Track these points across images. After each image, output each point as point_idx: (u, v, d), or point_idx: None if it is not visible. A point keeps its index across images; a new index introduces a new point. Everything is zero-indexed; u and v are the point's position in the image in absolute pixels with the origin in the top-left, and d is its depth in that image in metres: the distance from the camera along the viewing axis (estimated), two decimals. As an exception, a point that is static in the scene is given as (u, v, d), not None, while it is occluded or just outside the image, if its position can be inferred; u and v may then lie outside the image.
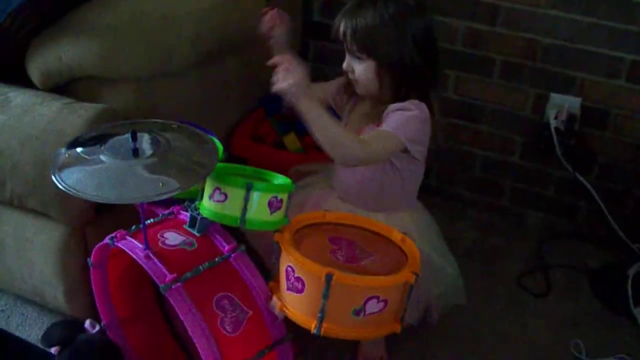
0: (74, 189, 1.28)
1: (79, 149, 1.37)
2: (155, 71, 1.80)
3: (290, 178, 1.53)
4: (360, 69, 1.70)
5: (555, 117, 2.25)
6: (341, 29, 1.70)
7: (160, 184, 1.29)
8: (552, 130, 2.25)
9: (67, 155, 1.37)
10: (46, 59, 1.77)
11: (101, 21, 1.73)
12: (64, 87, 1.83)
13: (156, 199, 1.28)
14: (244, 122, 2.22)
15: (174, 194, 1.28)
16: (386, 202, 1.79)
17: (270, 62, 1.59)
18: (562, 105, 2.25)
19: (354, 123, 1.81)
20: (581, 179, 2.29)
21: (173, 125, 1.48)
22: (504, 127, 2.38)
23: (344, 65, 1.74)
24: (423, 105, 1.68)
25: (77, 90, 1.81)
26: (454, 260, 1.84)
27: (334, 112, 1.86)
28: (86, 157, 1.34)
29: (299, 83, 1.54)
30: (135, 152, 1.33)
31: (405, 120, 1.65)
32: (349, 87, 1.82)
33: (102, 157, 1.33)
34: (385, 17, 1.64)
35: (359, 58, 1.69)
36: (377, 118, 1.72)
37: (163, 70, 1.82)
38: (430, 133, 1.72)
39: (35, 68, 1.80)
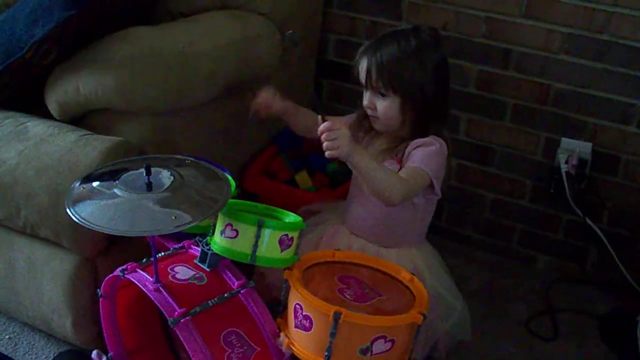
0: (87, 221, 1.30)
1: (94, 183, 1.39)
2: (171, 106, 1.82)
3: (301, 216, 1.54)
4: (384, 105, 1.71)
5: (566, 162, 2.25)
6: (364, 65, 1.71)
7: (173, 217, 1.30)
8: (563, 174, 2.26)
9: (81, 188, 1.39)
10: (64, 90, 1.80)
11: (119, 55, 1.75)
12: (81, 118, 1.85)
13: (168, 232, 1.30)
14: (256, 159, 2.24)
15: (185, 228, 1.29)
16: (399, 238, 1.80)
17: (318, 132, 1.57)
18: (573, 150, 2.25)
19: (372, 156, 1.78)
20: (591, 223, 2.29)
21: (187, 161, 1.50)
22: (514, 170, 2.39)
23: (365, 102, 1.75)
24: (442, 140, 1.72)
25: (93, 122, 1.84)
26: (461, 296, 1.84)
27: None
28: (100, 190, 1.36)
29: (348, 144, 1.54)
30: (149, 186, 1.34)
31: (430, 155, 1.68)
32: (365, 124, 1.83)
33: (116, 190, 1.35)
34: (409, 51, 1.68)
35: (383, 95, 1.70)
36: (394, 153, 1.74)
37: (179, 105, 1.85)
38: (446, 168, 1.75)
39: (54, 99, 1.82)
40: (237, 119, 2.05)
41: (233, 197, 1.46)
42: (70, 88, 1.78)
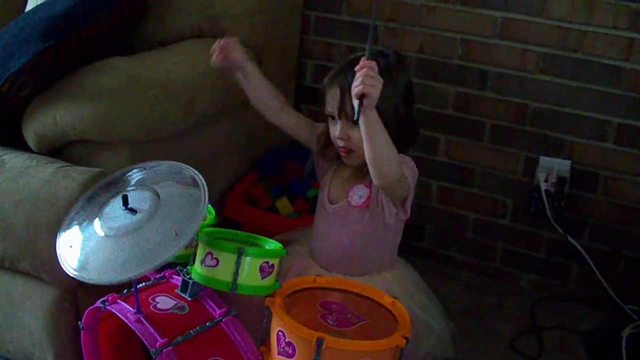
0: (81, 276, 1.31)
1: (76, 223, 1.39)
2: (149, 136, 1.82)
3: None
4: (358, 135, 1.56)
5: (546, 180, 2.27)
6: (337, 93, 1.64)
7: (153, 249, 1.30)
8: (543, 192, 2.27)
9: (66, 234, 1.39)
10: (42, 122, 1.79)
11: (96, 86, 1.75)
12: (59, 150, 1.84)
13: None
14: (237, 186, 2.24)
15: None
16: (370, 265, 1.76)
17: (358, 66, 1.46)
18: (552, 168, 2.27)
19: (338, 187, 1.77)
20: (572, 240, 2.30)
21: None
22: (494, 190, 2.41)
23: (337, 133, 1.67)
24: (411, 159, 1.70)
25: (72, 154, 1.83)
26: (442, 314, 1.81)
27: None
28: (86, 233, 1.36)
29: (375, 88, 1.45)
30: (129, 217, 1.34)
31: (406, 170, 1.63)
32: (329, 152, 1.77)
33: (96, 223, 1.35)
34: (381, 74, 1.54)
35: (357, 124, 1.56)
36: (362, 177, 1.70)
37: (157, 134, 1.84)
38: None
39: (31, 131, 1.82)
40: (217, 146, 2.05)
41: (213, 226, 1.46)
42: (47, 120, 1.78)
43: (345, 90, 1.60)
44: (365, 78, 1.43)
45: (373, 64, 1.46)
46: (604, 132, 2.22)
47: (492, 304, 2.37)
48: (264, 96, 1.81)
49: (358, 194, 1.71)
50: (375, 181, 1.59)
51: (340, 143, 1.69)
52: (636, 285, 2.28)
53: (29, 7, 2.43)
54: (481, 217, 2.46)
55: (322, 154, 1.81)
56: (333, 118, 1.69)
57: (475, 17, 2.26)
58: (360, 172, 1.70)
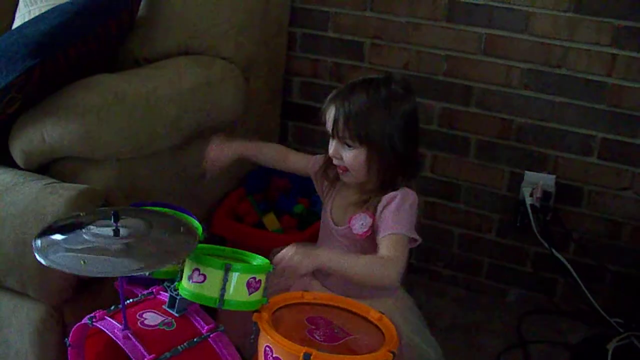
0: (56, 264, 1.29)
1: (59, 233, 1.38)
2: (136, 152, 1.83)
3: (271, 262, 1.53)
4: (350, 156, 1.66)
5: (531, 195, 2.29)
6: (332, 114, 1.67)
7: (139, 265, 1.31)
8: (528, 207, 2.29)
9: (48, 236, 1.38)
10: (29, 139, 1.78)
11: (84, 103, 1.75)
12: (47, 166, 1.84)
13: (136, 273, 1.29)
14: (224, 202, 2.24)
15: (148, 271, 1.29)
16: (371, 289, 1.73)
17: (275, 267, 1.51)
18: (536, 183, 2.29)
19: (339, 210, 1.78)
20: (558, 255, 2.32)
21: (154, 206, 1.51)
22: (480, 205, 2.42)
23: (331, 151, 1.70)
24: (413, 191, 1.70)
25: (59, 170, 1.83)
26: (437, 343, 1.80)
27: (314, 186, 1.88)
28: (67, 237, 1.36)
29: (305, 260, 1.52)
30: (116, 233, 1.34)
31: (405, 211, 1.65)
32: (330, 173, 1.80)
33: (84, 236, 1.35)
34: (378, 102, 1.64)
35: (349, 145, 1.66)
36: (366, 207, 1.69)
37: (144, 151, 1.85)
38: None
39: (18, 148, 1.81)
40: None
41: (200, 242, 1.46)
42: (35, 137, 1.78)
43: (339, 112, 1.65)
44: (288, 275, 1.56)
45: (276, 260, 1.51)
46: (588, 147, 2.24)
47: (479, 318, 2.38)
48: (276, 158, 1.91)
49: (360, 223, 1.70)
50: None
51: (335, 161, 1.71)
52: (621, 298, 2.30)
53: (16, 24, 2.44)
54: (468, 232, 2.47)
55: (324, 173, 1.82)
56: (331, 136, 1.71)
57: (460, 33, 2.28)
58: (363, 200, 1.71)
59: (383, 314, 1.53)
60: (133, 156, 1.83)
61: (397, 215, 1.64)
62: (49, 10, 1.99)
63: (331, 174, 1.80)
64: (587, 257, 2.33)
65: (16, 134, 1.81)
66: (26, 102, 1.80)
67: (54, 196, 1.67)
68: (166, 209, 1.63)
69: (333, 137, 1.69)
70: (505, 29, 2.23)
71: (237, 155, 1.89)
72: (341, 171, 1.72)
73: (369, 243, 1.69)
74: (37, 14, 2.26)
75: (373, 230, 1.69)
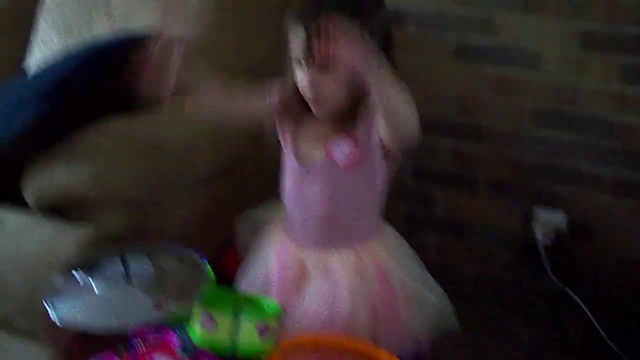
0: (67, 321, 1.29)
1: (71, 278, 1.39)
2: (147, 194, 1.83)
3: (243, 227, 1.47)
4: (332, 84, 1.38)
5: (543, 233, 2.28)
6: (301, 36, 1.36)
7: (151, 309, 1.30)
8: (540, 245, 2.28)
9: (59, 284, 1.38)
10: (41, 182, 1.80)
11: (95, 145, 1.78)
12: (59, 207, 1.86)
13: (150, 323, 1.29)
14: (234, 242, 2.24)
15: (166, 317, 1.29)
16: (354, 234, 1.53)
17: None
18: (548, 221, 2.28)
19: (308, 148, 1.51)
20: (571, 293, 2.30)
21: (164, 249, 1.51)
22: (492, 244, 2.41)
23: (304, 83, 1.40)
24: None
25: (71, 212, 1.84)
26: (439, 287, 1.60)
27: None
28: (78, 285, 1.36)
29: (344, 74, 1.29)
30: (127, 278, 1.34)
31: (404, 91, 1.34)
32: (294, 106, 1.50)
33: (93, 283, 1.35)
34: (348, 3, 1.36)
35: (327, 66, 1.35)
36: (345, 128, 1.44)
37: (155, 193, 1.86)
38: None
39: (31, 190, 1.83)
40: (215, 203, 2.06)
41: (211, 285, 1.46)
42: (47, 180, 1.79)
43: (312, 31, 1.34)
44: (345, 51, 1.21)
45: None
46: (599, 184, 2.23)
47: (491, 356, 2.35)
48: (205, 110, 1.61)
49: (341, 150, 1.45)
50: (390, 145, 1.39)
51: (309, 93, 1.41)
52: (637, 338, 2.27)
53: (31, 69, 2.47)
54: (479, 271, 2.46)
55: (285, 108, 1.52)
56: (299, 63, 1.41)
57: (470, 73, 2.29)
58: (340, 122, 1.45)
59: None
60: (143, 198, 1.84)
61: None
62: (60, 57, 2.02)
63: (295, 109, 1.50)
64: (600, 295, 2.31)
65: (29, 177, 1.83)
66: (40, 146, 1.82)
67: (65, 239, 1.68)
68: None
69: (307, 64, 1.38)
70: (515, 68, 2.23)
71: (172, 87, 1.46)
72: (315, 104, 1.43)
73: (354, 178, 1.47)
74: (50, 58, 2.29)
75: (356, 158, 1.45)
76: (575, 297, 2.30)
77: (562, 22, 2.14)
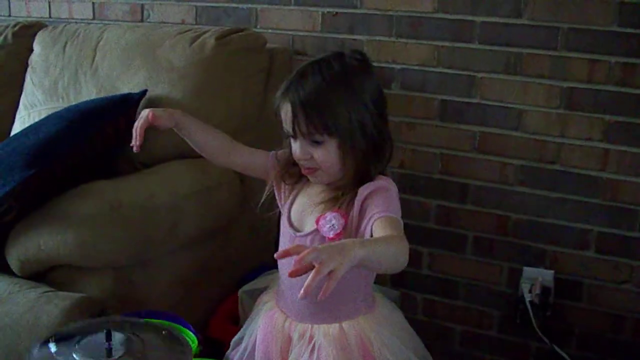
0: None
1: (52, 349, 1.37)
2: (132, 260, 1.83)
3: (247, 300, 1.46)
4: (321, 153, 1.44)
5: (530, 291, 2.27)
6: (288, 112, 1.44)
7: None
8: (527, 303, 2.27)
9: (39, 354, 1.37)
10: (25, 247, 1.79)
11: (80, 211, 1.77)
12: (43, 273, 1.84)
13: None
14: (221, 305, 2.22)
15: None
16: (342, 310, 1.54)
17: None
18: (535, 278, 2.28)
19: (299, 214, 1.56)
20: (559, 350, 2.29)
21: (147, 325, 1.49)
22: (479, 302, 2.40)
23: (297, 154, 1.48)
24: (391, 180, 1.51)
25: (55, 278, 1.83)
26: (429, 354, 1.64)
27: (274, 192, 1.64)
28: (59, 357, 1.34)
29: (342, 251, 1.17)
30: (109, 353, 1.33)
31: (391, 200, 1.44)
32: (293, 170, 1.57)
33: (74, 356, 1.33)
34: (338, 81, 1.43)
35: (317, 142, 1.44)
36: (338, 205, 1.47)
37: (141, 258, 1.85)
38: None
39: (15, 256, 1.82)
40: (201, 267, 2.05)
41: (196, 355, 1.45)
42: (31, 245, 1.78)
43: (296, 106, 1.42)
44: (320, 269, 1.13)
45: (296, 249, 1.18)
46: (585, 241, 2.23)
47: (482, 416, 2.34)
48: (207, 143, 1.68)
49: (330, 224, 1.47)
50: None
51: (303, 163, 1.49)
52: (626, 394, 2.26)
53: (16, 126, 2.47)
54: (468, 329, 2.45)
55: (284, 175, 1.60)
56: (292, 137, 1.49)
57: (454, 132, 2.31)
58: (331, 199, 1.50)
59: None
60: (129, 264, 1.83)
61: (386, 202, 1.42)
62: (46, 117, 2.03)
63: (294, 175, 1.58)
64: (589, 351, 2.30)
65: (12, 242, 1.82)
66: (23, 211, 1.81)
67: (50, 306, 1.67)
68: (161, 321, 1.61)
69: (295, 137, 1.47)
70: (498, 126, 2.25)
71: (175, 122, 1.63)
72: (310, 173, 1.51)
73: None
74: (36, 117, 2.30)
75: (345, 233, 1.46)
76: (564, 355, 2.29)
77: (544, 81, 2.16)
